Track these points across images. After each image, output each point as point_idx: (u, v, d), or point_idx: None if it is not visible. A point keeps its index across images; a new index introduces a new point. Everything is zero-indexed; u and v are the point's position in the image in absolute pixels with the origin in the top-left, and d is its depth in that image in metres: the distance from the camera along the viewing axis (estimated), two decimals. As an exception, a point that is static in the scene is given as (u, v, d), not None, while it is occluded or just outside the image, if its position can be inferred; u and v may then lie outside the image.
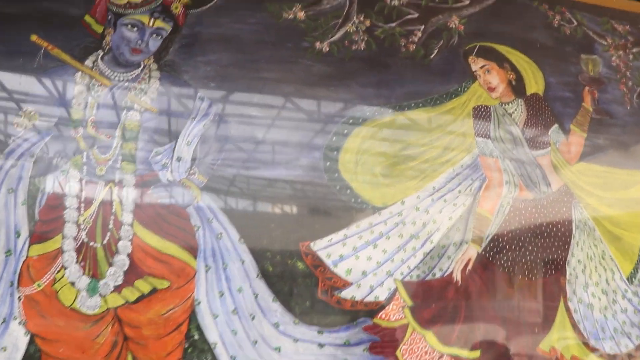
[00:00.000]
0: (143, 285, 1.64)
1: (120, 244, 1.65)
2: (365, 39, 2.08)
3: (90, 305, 1.60)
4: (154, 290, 1.65)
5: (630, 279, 2.27)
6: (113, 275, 1.63)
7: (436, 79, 2.15)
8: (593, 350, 2.13)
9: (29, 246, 1.59)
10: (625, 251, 2.28)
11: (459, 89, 2.18)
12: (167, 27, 1.82)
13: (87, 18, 1.79)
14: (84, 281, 1.60)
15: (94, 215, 1.66)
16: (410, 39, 2.15)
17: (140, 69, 1.80)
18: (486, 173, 2.13)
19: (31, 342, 1.55)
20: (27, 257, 1.58)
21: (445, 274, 1.98)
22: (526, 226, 2.13)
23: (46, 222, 1.62)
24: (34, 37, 1.70)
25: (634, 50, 2.51)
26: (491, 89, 2.23)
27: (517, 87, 2.26)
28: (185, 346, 1.67)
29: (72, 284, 1.59)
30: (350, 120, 1.99)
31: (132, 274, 1.64)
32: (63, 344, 1.57)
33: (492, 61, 2.24)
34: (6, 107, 1.67)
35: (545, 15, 2.39)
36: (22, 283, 1.57)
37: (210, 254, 1.73)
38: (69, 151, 1.68)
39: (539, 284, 2.11)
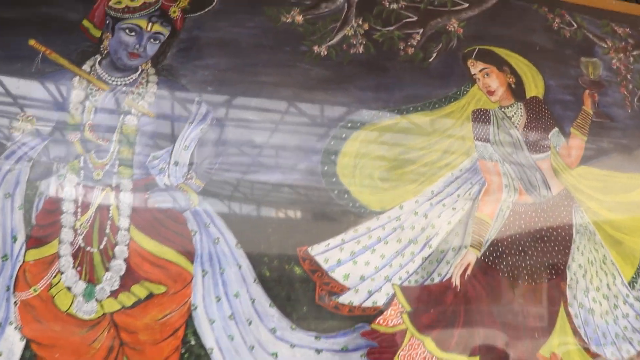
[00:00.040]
0: (139, 290, 1.64)
1: (116, 248, 1.65)
2: (364, 42, 2.07)
3: (87, 310, 1.59)
4: (150, 295, 1.64)
5: (632, 283, 2.24)
6: (109, 280, 1.62)
7: (435, 82, 2.14)
8: (594, 356, 2.11)
9: (26, 251, 1.59)
10: (627, 255, 2.26)
11: (458, 93, 2.16)
12: (165, 31, 1.82)
13: (85, 22, 1.80)
14: (80, 286, 1.60)
15: (91, 219, 1.65)
16: (409, 43, 2.14)
17: (138, 73, 1.80)
18: (485, 177, 2.12)
19: (27, 347, 1.55)
20: (23, 261, 1.58)
21: (444, 279, 1.97)
22: (526, 230, 2.12)
23: (43, 226, 1.62)
24: (32, 42, 1.71)
25: (635, 52, 2.49)
26: (490, 93, 2.21)
27: (517, 90, 2.25)
28: (182, 351, 1.66)
29: (69, 289, 1.59)
30: (349, 124, 1.98)
31: (129, 278, 1.64)
32: (59, 349, 1.56)
33: (491, 64, 2.23)
34: (4, 111, 1.68)
35: (545, 18, 2.38)
36: (18, 288, 1.56)
37: (207, 258, 1.72)
38: (66, 155, 1.68)
39: (539, 289, 2.09)
